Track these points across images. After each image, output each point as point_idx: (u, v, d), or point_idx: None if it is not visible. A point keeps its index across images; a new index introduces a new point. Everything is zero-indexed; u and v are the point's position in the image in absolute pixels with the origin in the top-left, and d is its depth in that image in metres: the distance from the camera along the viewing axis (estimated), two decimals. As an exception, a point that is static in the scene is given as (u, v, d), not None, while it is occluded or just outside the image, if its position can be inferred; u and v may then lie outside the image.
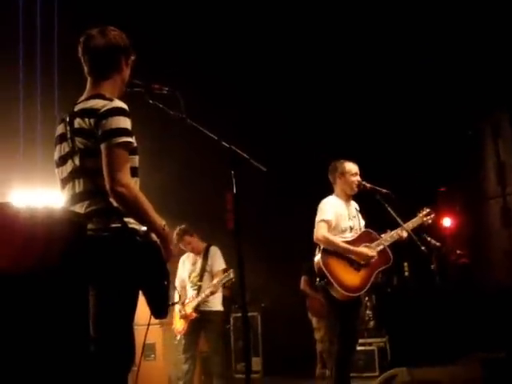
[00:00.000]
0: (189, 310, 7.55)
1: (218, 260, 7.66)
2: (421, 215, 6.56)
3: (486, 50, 9.36)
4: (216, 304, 7.65)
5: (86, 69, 3.71)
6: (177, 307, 7.64)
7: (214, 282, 7.43)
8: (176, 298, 7.62)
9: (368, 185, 6.43)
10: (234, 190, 3.88)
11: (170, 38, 8.95)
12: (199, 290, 7.61)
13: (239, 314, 10.11)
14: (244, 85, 9.87)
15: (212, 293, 7.47)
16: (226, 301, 10.44)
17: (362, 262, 6.21)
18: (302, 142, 10.31)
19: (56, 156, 3.69)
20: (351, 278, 6.17)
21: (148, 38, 7.92)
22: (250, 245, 4.97)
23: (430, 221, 6.57)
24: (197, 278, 7.72)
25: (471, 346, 7.77)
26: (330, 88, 10.21)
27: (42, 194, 8.01)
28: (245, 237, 3.93)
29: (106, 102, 3.49)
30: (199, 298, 7.50)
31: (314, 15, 9.48)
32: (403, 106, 10.26)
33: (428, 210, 6.59)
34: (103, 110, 3.45)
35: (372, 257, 6.21)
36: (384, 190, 6.35)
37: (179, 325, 7.69)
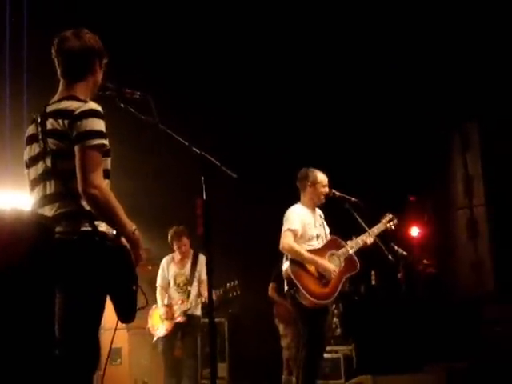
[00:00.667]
0: (177, 312, 7.63)
1: (204, 268, 7.66)
2: (384, 221, 6.64)
3: (455, 61, 9.46)
4: (198, 309, 7.82)
5: (59, 70, 3.70)
6: (160, 308, 7.70)
7: (217, 292, 7.51)
8: (159, 301, 7.77)
9: (337, 193, 6.50)
10: (204, 196, 3.90)
11: (141, 41, 8.92)
12: (189, 294, 7.73)
13: (206, 320, 10.07)
14: (215, 91, 9.87)
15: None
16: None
17: (325, 275, 6.25)
18: (271, 149, 10.33)
19: (26, 157, 3.67)
20: (320, 285, 6.22)
21: (119, 41, 7.89)
22: (219, 250, 4.97)
23: (393, 226, 6.65)
24: (184, 282, 7.83)
25: (436, 355, 7.84)
26: (299, 96, 10.24)
27: (12, 197, 7.95)
28: (214, 242, 3.95)
29: (80, 103, 3.50)
30: (192, 303, 7.64)
31: (285, 23, 9.50)
32: (373, 115, 10.32)
33: (391, 216, 6.67)
34: (78, 111, 3.44)
35: (334, 272, 6.27)
36: (353, 199, 6.43)
37: (159, 325, 7.72)
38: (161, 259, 8.14)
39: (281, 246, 6.30)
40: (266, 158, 10.26)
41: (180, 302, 7.70)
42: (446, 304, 9.29)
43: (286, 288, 6.28)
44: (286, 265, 6.24)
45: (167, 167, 9.76)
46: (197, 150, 3.94)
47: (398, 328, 8.76)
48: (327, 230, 6.62)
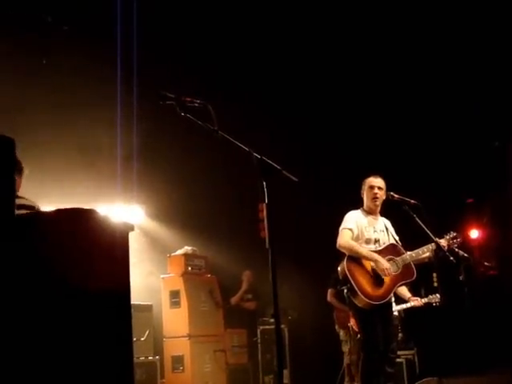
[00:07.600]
0: None
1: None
2: (447, 237, 6.58)
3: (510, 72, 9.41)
4: None
5: None
6: None
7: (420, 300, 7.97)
8: None
9: (396, 195, 6.48)
10: (266, 200, 3.93)
11: (201, 50, 9.02)
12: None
13: (267, 327, 10.13)
14: (275, 96, 9.93)
15: None
16: (251, 313, 10.45)
17: (379, 272, 6.25)
18: (334, 154, 10.37)
19: None
20: (374, 286, 6.22)
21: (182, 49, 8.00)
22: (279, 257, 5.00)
23: (455, 245, 6.57)
24: None
25: (502, 357, 7.72)
26: (361, 101, 10.26)
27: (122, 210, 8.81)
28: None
29: None
30: None
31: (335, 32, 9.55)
32: (433, 119, 10.29)
33: (454, 234, 6.62)
34: None
35: (387, 269, 6.24)
36: (412, 201, 6.39)
37: None
38: (217, 267, 8.14)
39: (337, 244, 6.36)
40: (328, 162, 10.30)
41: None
42: (508, 305, 9.17)
43: (339, 287, 6.33)
44: (341, 264, 6.28)
45: (229, 173, 9.80)
46: (257, 155, 3.96)
47: (461, 331, 8.67)
48: (393, 238, 6.60)
